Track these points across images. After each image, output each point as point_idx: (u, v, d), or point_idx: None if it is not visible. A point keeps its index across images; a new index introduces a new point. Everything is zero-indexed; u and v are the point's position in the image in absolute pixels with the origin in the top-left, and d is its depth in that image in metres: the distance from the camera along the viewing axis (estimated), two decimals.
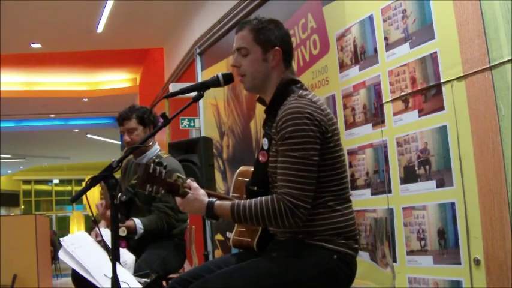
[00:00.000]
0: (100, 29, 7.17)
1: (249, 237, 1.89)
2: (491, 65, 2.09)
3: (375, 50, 2.76)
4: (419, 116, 2.47)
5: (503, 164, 2.04)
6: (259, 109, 4.11)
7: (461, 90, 2.25)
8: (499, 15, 2.06)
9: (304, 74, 3.39)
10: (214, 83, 1.88)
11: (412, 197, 2.51)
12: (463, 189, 2.23)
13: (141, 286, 2.10)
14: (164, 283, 2.92)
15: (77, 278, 2.61)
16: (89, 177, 1.70)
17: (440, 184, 2.35)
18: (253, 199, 1.70)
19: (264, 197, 1.68)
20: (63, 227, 21.89)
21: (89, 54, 9.07)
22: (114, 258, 1.64)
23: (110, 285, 1.64)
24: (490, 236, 2.10)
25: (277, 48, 1.82)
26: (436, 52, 2.37)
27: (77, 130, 14.14)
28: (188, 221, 3.34)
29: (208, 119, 5.43)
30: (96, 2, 6.28)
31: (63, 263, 3.77)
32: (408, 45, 2.53)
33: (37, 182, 24.15)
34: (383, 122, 2.71)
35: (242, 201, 1.72)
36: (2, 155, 16.10)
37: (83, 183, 6.57)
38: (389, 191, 2.66)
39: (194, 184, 1.79)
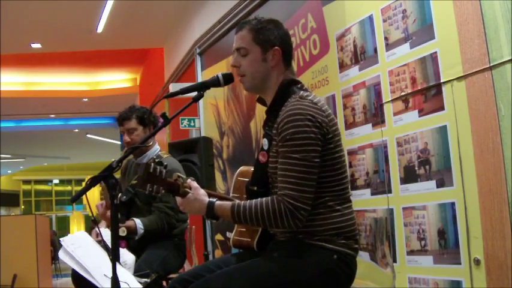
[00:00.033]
0: (100, 29, 7.17)
1: (249, 237, 1.89)
2: (491, 65, 2.09)
3: (375, 50, 2.76)
4: (419, 116, 2.47)
5: (503, 164, 2.04)
6: (259, 109, 4.11)
7: (461, 90, 2.25)
8: (499, 15, 2.06)
9: (304, 74, 3.39)
10: (214, 83, 1.88)
11: (412, 197, 2.51)
12: (463, 189, 2.23)
13: (141, 286, 2.10)
14: (164, 283, 2.92)
15: (77, 278, 2.61)
16: (89, 177, 1.70)
17: (440, 184, 2.35)
18: (254, 200, 1.70)
19: (264, 198, 1.68)
20: (63, 227, 21.89)
21: (89, 54, 9.07)
22: (114, 258, 1.64)
23: (110, 285, 1.64)
24: (490, 236, 2.10)
25: (276, 48, 1.82)
26: (436, 52, 2.37)
27: (77, 130, 14.14)
28: (188, 221, 3.34)
29: (208, 119, 5.43)
30: (96, 2, 6.28)
31: (63, 263, 3.77)
32: (408, 45, 2.53)
33: (37, 182, 24.15)
34: (383, 122, 2.71)
35: (242, 201, 1.72)
36: (2, 155, 16.10)
37: (83, 183, 6.58)
38: (389, 191, 2.66)
39: (194, 184, 1.79)
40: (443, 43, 2.34)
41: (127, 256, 2.61)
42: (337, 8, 3.10)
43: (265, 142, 1.81)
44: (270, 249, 1.81)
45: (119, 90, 11.05)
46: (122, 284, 1.67)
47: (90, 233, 2.58)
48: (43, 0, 6.03)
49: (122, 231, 2.85)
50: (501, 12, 2.05)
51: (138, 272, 2.59)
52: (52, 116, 12.75)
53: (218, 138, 5.12)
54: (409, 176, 2.53)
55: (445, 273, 2.31)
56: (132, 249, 2.80)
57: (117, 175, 2.66)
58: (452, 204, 2.29)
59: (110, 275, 1.63)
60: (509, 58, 2.02)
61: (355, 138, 2.94)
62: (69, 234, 2.30)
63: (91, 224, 16.55)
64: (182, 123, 5.45)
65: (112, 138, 14.66)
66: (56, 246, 11.56)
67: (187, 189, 1.77)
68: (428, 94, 2.42)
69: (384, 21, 2.69)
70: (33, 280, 5.52)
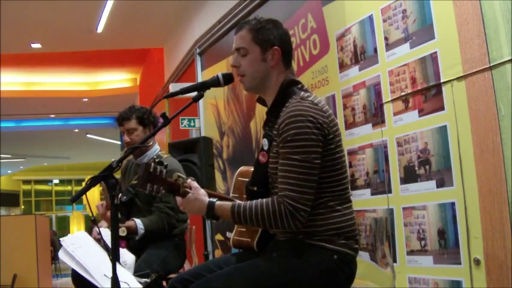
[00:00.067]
0: (100, 29, 7.17)
1: (249, 237, 1.89)
2: (491, 65, 2.09)
3: (375, 50, 2.76)
4: (419, 116, 2.47)
5: (503, 164, 2.04)
6: (259, 109, 4.11)
7: (461, 90, 2.25)
8: (499, 15, 2.06)
9: (304, 74, 3.39)
10: (214, 83, 1.88)
11: (412, 197, 2.51)
12: (463, 189, 2.23)
13: (141, 286, 2.10)
14: (164, 283, 2.92)
15: (77, 278, 2.61)
16: (89, 177, 1.70)
17: (440, 184, 2.35)
18: (254, 201, 1.70)
19: (264, 199, 1.68)
20: (63, 227, 21.89)
21: (89, 54, 9.07)
22: (114, 258, 1.64)
23: (110, 285, 1.64)
24: (490, 236, 2.10)
25: (276, 47, 1.82)
26: (436, 52, 2.37)
27: (77, 130, 14.14)
28: (188, 221, 3.34)
29: (208, 119, 5.43)
30: (96, 2, 6.28)
31: (63, 263, 3.77)
32: (408, 45, 2.53)
33: (37, 182, 24.15)
34: (383, 122, 2.71)
35: (243, 202, 1.72)
36: (2, 155, 16.10)
37: (83, 183, 6.57)
38: (389, 191, 2.66)
39: (195, 184, 1.79)
40: (443, 43, 2.34)
41: (127, 256, 2.61)
42: (337, 8, 3.10)
43: (265, 142, 1.81)
44: (270, 249, 1.81)
45: (119, 90, 11.05)
46: (122, 284, 1.67)
47: (90, 233, 2.58)
48: (43, 0, 6.02)
49: (122, 231, 2.85)
50: (501, 12, 2.05)
51: (138, 272, 2.59)
52: (52, 116, 12.75)
53: (218, 138, 5.12)
54: (409, 176, 2.53)
55: (445, 273, 2.31)
56: (132, 249, 2.80)
57: (117, 175, 2.67)
58: (452, 204, 2.29)
59: (110, 275, 1.63)
60: (509, 58, 2.02)
61: (355, 138, 2.94)
62: (69, 234, 2.30)
63: (90, 224, 16.58)
64: (182, 123, 5.45)
65: (112, 138, 14.66)
66: (56, 246, 11.56)
67: (188, 189, 1.77)
68: (428, 94, 2.42)
69: (384, 21, 2.69)
70: (33, 280, 5.52)
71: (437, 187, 2.37)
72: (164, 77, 8.12)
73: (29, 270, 5.50)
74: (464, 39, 2.22)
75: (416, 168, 2.49)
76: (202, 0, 5.78)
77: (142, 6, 6.42)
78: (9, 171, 22.03)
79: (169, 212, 3.05)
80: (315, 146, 1.66)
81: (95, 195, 16.65)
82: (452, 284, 2.28)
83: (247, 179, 1.93)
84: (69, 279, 3.07)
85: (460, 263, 2.23)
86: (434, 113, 2.39)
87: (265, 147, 1.80)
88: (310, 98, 1.74)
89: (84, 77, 10.85)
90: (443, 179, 2.34)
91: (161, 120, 1.83)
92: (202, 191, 1.78)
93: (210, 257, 4.26)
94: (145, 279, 2.26)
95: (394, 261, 2.54)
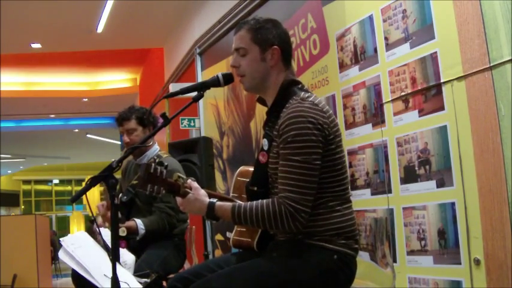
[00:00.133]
0: (100, 29, 7.17)
1: (249, 237, 1.89)
2: (491, 65, 2.09)
3: (375, 50, 2.76)
4: (420, 116, 2.47)
5: (503, 164, 2.04)
6: (259, 109, 4.11)
7: (461, 90, 2.25)
8: (499, 15, 2.06)
9: (304, 74, 3.39)
10: (214, 83, 1.88)
11: (412, 197, 2.51)
12: (463, 189, 2.23)
13: (141, 286, 2.10)
14: (164, 283, 2.92)
15: (77, 278, 2.61)
16: (89, 177, 1.70)
17: (440, 184, 2.35)
18: (254, 202, 1.70)
19: (265, 200, 1.69)
20: (63, 227, 21.89)
21: (89, 54, 9.07)
22: (114, 258, 1.64)
23: (110, 285, 1.64)
24: (490, 236, 2.10)
25: (275, 47, 1.82)
26: (436, 52, 2.37)
27: (77, 130, 14.14)
28: (188, 221, 3.34)
29: (208, 119, 5.43)
30: (96, 2, 6.28)
31: (63, 263, 3.77)
32: (408, 45, 2.53)
33: (37, 182, 24.15)
34: (383, 122, 2.71)
35: (243, 203, 1.72)
36: (2, 155, 16.10)
37: (83, 183, 6.57)
38: (390, 191, 2.66)
39: (195, 184, 1.79)
40: (443, 43, 2.34)
41: (127, 256, 2.61)
42: (337, 8, 3.10)
43: (265, 142, 1.81)
44: (270, 249, 1.81)
45: (119, 90, 11.05)
46: (122, 284, 1.67)
47: (89, 233, 2.58)
48: (43, 0, 6.02)
49: (122, 231, 2.85)
50: (501, 12, 2.05)
51: (138, 272, 2.59)
52: (52, 116, 12.75)
53: (218, 138, 5.12)
54: (409, 176, 2.53)
55: (445, 273, 2.31)
56: (132, 249, 2.80)
57: (118, 175, 2.67)
58: (452, 204, 2.29)
59: (110, 275, 1.63)
60: (509, 58, 2.02)
61: (355, 138, 2.94)
62: (69, 234, 2.30)
63: (89, 224, 16.57)
64: (182, 123, 5.45)
65: (112, 138, 14.66)
66: (56, 246, 11.56)
67: (188, 190, 1.77)
68: (428, 94, 2.42)
69: (384, 21, 2.69)
70: (33, 280, 5.52)
71: (438, 187, 2.37)
72: (164, 77, 8.12)
73: (29, 270, 5.50)
74: (464, 39, 2.22)
75: (416, 168, 2.49)
76: (202, 0, 5.78)
77: (142, 6, 6.42)
78: (9, 171, 22.04)
79: (170, 212, 3.05)
80: (316, 147, 1.66)
81: (95, 195, 16.66)
82: (452, 284, 2.28)
83: (247, 179, 1.93)
84: (69, 279, 3.07)
85: (460, 263, 2.23)
86: (434, 113, 2.39)
87: (265, 148, 1.80)
88: (310, 99, 1.73)
89: (84, 77, 10.85)
90: (443, 179, 2.34)
91: (161, 120, 1.83)
92: (203, 192, 1.78)
93: (210, 257, 4.26)
94: (145, 279, 2.26)
95: (394, 261, 2.54)
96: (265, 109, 1.89)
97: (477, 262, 2.15)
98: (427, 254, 2.41)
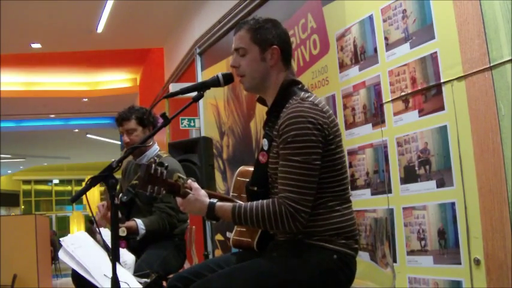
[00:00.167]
0: (100, 29, 7.17)
1: (249, 237, 1.89)
2: (491, 65, 2.09)
3: (375, 50, 2.76)
4: (420, 116, 2.47)
5: (503, 164, 2.04)
6: (259, 109, 4.11)
7: (461, 90, 2.25)
8: (499, 15, 2.06)
9: (304, 74, 3.39)
10: (214, 83, 1.88)
11: (412, 197, 2.51)
12: (463, 189, 2.23)
13: (141, 286, 2.10)
14: (164, 283, 2.92)
15: (77, 278, 2.61)
16: (89, 177, 1.70)
17: (440, 184, 2.35)
18: (255, 202, 1.70)
19: (265, 201, 1.69)
20: (63, 227, 21.90)
21: (89, 54, 9.07)
22: (114, 258, 1.64)
23: (110, 285, 1.64)
24: (490, 236, 2.10)
25: (275, 46, 1.82)
26: (436, 52, 2.37)
27: (77, 130, 14.14)
28: (188, 221, 3.34)
29: (208, 119, 5.43)
30: (96, 2, 6.28)
31: (63, 263, 3.77)
32: (408, 45, 2.53)
33: (37, 182, 24.15)
34: (383, 122, 2.71)
35: (243, 203, 1.72)
36: (2, 155, 16.10)
37: (83, 183, 6.57)
38: (390, 191, 2.66)
39: (195, 185, 1.79)
40: (443, 43, 2.34)
41: (127, 256, 2.61)
42: (337, 8, 3.10)
43: (265, 142, 1.81)
44: (270, 249, 1.81)
45: (119, 90, 11.05)
46: (122, 284, 1.67)
47: (89, 234, 2.58)
48: (43, 0, 6.02)
49: (122, 232, 2.85)
50: (501, 12, 2.05)
51: (138, 272, 2.59)
52: (52, 116, 12.75)
53: (218, 138, 5.12)
54: (409, 176, 2.53)
55: (445, 273, 2.31)
56: (132, 249, 2.80)
57: (118, 175, 2.67)
58: (452, 204, 2.29)
59: (110, 275, 1.63)
60: (509, 58, 2.02)
61: (355, 138, 2.94)
62: (69, 234, 2.30)
63: (88, 225, 16.58)
64: (182, 123, 5.45)
65: (112, 138, 14.66)
66: (56, 246, 11.56)
67: (188, 190, 1.77)
68: (428, 94, 2.42)
69: (384, 21, 2.69)
70: (33, 280, 5.52)
71: (438, 187, 2.37)
72: (164, 77, 8.12)
73: (29, 270, 5.50)
74: (464, 39, 2.22)
75: (416, 168, 2.49)
76: (202, 0, 5.78)
77: (142, 6, 6.42)
78: (9, 171, 22.03)
79: (170, 212, 3.05)
80: (315, 147, 1.66)
81: (95, 195, 16.66)
82: (452, 284, 2.28)
83: (247, 179, 1.93)
84: (69, 279, 3.07)
85: (460, 263, 2.23)
86: (434, 113, 2.39)
87: (265, 148, 1.80)
88: (310, 99, 1.73)
89: (84, 77, 10.85)
90: (443, 179, 2.34)
91: (161, 120, 1.83)
92: (203, 192, 1.78)
93: (210, 257, 4.26)
94: (145, 279, 2.26)
95: (394, 261, 2.54)
96: (265, 109, 1.89)
97: (477, 262, 2.15)
98: (427, 254, 2.41)
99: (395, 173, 2.62)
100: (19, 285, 5.36)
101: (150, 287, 2.21)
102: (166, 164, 1.77)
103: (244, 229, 1.92)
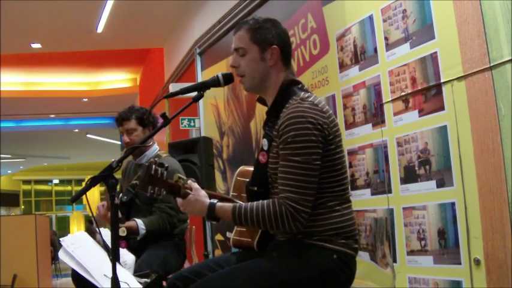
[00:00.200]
0: (100, 29, 7.17)
1: (249, 237, 1.89)
2: (491, 65, 2.09)
3: (375, 50, 2.76)
4: (420, 116, 2.47)
5: (503, 164, 2.04)
6: (259, 109, 4.11)
7: (461, 90, 2.25)
8: (499, 15, 2.06)
9: (304, 74, 3.39)
10: (214, 83, 1.88)
11: (412, 197, 2.51)
12: (463, 189, 2.23)
13: (141, 286, 2.10)
14: (164, 283, 2.92)
15: (77, 278, 2.61)
16: (89, 177, 1.70)
17: (440, 184, 2.35)
18: (255, 202, 1.70)
19: (265, 201, 1.69)
20: (63, 227, 21.89)
21: (89, 54, 9.07)
22: (114, 258, 1.64)
23: (110, 285, 1.64)
24: (490, 236, 2.10)
25: (274, 46, 1.82)
26: (436, 52, 2.37)
27: (77, 130, 14.14)
28: (188, 221, 3.34)
29: (208, 119, 5.43)
30: (96, 2, 6.28)
31: (63, 263, 3.77)
32: (408, 45, 2.53)
33: (37, 182, 24.15)
34: (383, 122, 2.71)
35: (243, 203, 1.72)
36: (2, 155, 16.10)
37: (83, 183, 6.57)
38: (390, 191, 2.66)
39: (195, 185, 1.79)
40: (443, 43, 2.34)
41: (127, 256, 2.61)
42: (337, 8, 3.10)
43: (265, 142, 1.81)
44: (270, 249, 1.81)
45: (119, 90, 11.05)
46: (122, 284, 1.67)
47: (88, 234, 2.58)
48: (43, 0, 6.02)
49: (122, 232, 2.85)
50: (501, 12, 2.05)
51: (138, 272, 2.59)
52: (52, 116, 12.75)
53: (218, 138, 5.12)
54: (409, 176, 2.53)
55: (445, 273, 2.31)
56: (132, 249, 2.80)
57: (117, 175, 2.67)
58: (452, 204, 2.29)
59: (110, 275, 1.63)
60: (509, 58, 2.02)
61: (355, 138, 2.94)
62: (69, 234, 2.30)
63: (88, 225, 16.57)
64: (182, 123, 5.45)
65: (112, 138, 14.66)
66: (56, 246, 11.56)
67: (188, 191, 1.77)
68: (428, 94, 2.42)
69: (384, 21, 2.69)
70: (33, 280, 5.52)
71: (438, 187, 2.37)
72: (164, 77, 8.12)
73: (29, 270, 5.50)
74: (464, 39, 2.22)
75: (416, 168, 2.49)
76: (202, 0, 5.78)
77: (142, 6, 6.42)
78: (9, 171, 22.03)
79: (171, 212, 3.05)
80: (315, 148, 1.66)
81: (95, 195, 16.66)
82: (452, 284, 2.28)
83: (247, 179, 1.93)
84: (69, 279, 3.07)
85: (460, 263, 2.23)
86: (434, 113, 2.39)
87: (265, 147, 1.80)
88: (310, 99, 1.73)
89: (84, 77, 10.85)
90: (443, 179, 2.34)
91: (161, 120, 1.83)
92: (203, 192, 1.78)
93: (210, 257, 4.26)
94: (145, 279, 2.26)
95: (394, 261, 2.54)
96: (265, 109, 1.89)
97: (477, 262, 2.15)
98: (427, 254, 2.41)
99: (395, 173, 2.62)
100: (19, 285, 5.36)
101: (150, 287, 2.21)
102: (166, 165, 1.76)
103: (245, 229, 1.92)
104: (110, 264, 1.63)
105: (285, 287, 1.68)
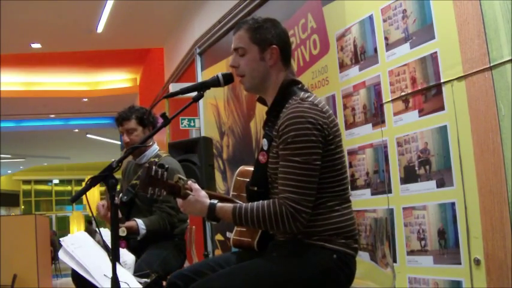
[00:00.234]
0: (100, 29, 7.17)
1: (250, 237, 1.89)
2: (491, 65, 2.09)
3: (375, 50, 2.76)
4: (420, 116, 2.47)
5: (503, 164, 2.04)
6: (259, 109, 4.11)
7: (461, 90, 2.24)
8: (499, 15, 2.06)
9: (304, 74, 3.39)
10: (214, 83, 1.88)
11: (412, 197, 2.51)
12: (463, 189, 2.23)
13: (141, 286, 2.10)
14: (164, 283, 2.92)
15: (77, 278, 2.61)
16: (89, 177, 1.70)
17: (440, 184, 2.35)
18: (255, 203, 1.70)
19: (265, 201, 1.69)
20: (63, 227, 21.90)
21: (89, 54, 9.07)
22: (114, 258, 1.64)
23: (110, 285, 1.64)
24: (490, 236, 2.10)
25: (274, 46, 1.82)
26: (436, 52, 2.37)
27: (77, 130, 14.14)
28: (188, 221, 3.34)
29: (208, 119, 5.43)
30: (96, 2, 6.28)
31: (63, 263, 3.77)
32: (408, 45, 2.53)
33: (37, 182, 24.15)
34: (383, 122, 2.71)
35: (244, 204, 1.72)
36: (2, 155, 16.10)
37: (83, 183, 6.57)
38: (390, 191, 2.66)
39: (195, 186, 1.79)
40: (443, 43, 2.34)
41: (127, 256, 2.61)
42: (337, 8, 3.10)
43: (265, 142, 1.81)
44: (270, 249, 1.81)
45: (119, 90, 11.05)
46: (122, 284, 1.67)
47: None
48: (43, 0, 6.02)
49: (122, 232, 2.85)
50: (501, 12, 2.05)
51: (138, 272, 2.59)
52: (52, 116, 12.75)
53: (218, 138, 5.12)
54: (409, 176, 2.53)
55: (445, 273, 2.31)
56: (132, 249, 2.80)
57: (117, 175, 2.66)
58: (453, 204, 2.28)
59: (110, 275, 1.63)
60: (509, 58, 2.02)
61: (355, 138, 2.94)
62: (69, 234, 2.30)
63: (87, 225, 16.57)
64: (182, 123, 5.45)
65: (112, 138, 14.66)
66: (56, 246, 11.56)
67: (188, 191, 1.77)
68: (428, 94, 2.42)
69: (384, 21, 2.69)
70: (33, 280, 5.52)
71: (438, 187, 2.37)
72: (164, 77, 8.12)
73: (29, 270, 5.50)
74: (464, 39, 2.22)
75: (416, 168, 2.49)
76: (202, 0, 5.78)
77: (142, 6, 6.42)
78: (9, 171, 22.03)
79: (171, 212, 3.05)
80: (315, 148, 1.66)
81: (95, 195, 16.65)
82: (452, 284, 2.28)
83: (247, 179, 1.93)
84: (69, 279, 3.07)
85: (460, 263, 2.23)
86: (434, 113, 2.39)
87: (265, 147, 1.80)
88: (310, 99, 1.73)
89: (84, 77, 10.85)
90: (443, 179, 2.34)
91: (161, 120, 1.83)
92: (203, 193, 1.78)
93: (210, 257, 4.26)
94: (145, 279, 2.26)
95: (394, 261, 2.54)
96: (265, 109, 1.89)
97: (477, 262, 2.15)
98: (427, 254, 2.41)
99: (395, 173, 2.62)
100: (19, 285, 5.36)
101: (150, 287, 2.21)
102: (166, 166, 1.76)
103: (245, 229, 1.92)
104: (110, 264, 1.63)
105: (285, 287, 1.68)
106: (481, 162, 2.15)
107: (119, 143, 13.23)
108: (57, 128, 13.44)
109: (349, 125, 2.99)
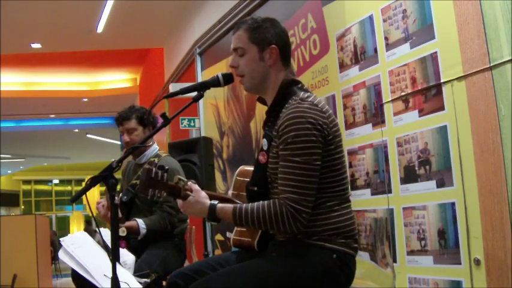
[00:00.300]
0: (100, 29, 7.17)
1: (250, 237, 1.89)
2: (491, 65, 2.09)
3: (375, 50, 2.76)
4: (420, 116, 2.47)
5: (503, 164, 2.04)
6: (259, 109, 4.11)
7: (461, 90, 2.24)
8: (499, 15, 2.06)
9: (304, 74, 3.39)
10: (214, 83, 1.88)
11: (412, 197, 2.51)
12: (463, 189, 2.23)
13: (141, 286, 2.10)
14: (164, 283, 2.92)
15: (77, 278, 2.61)
16: (89, 177, 1.70)
17: (440, 184, 2.35)
18: (255, 203, 1.70)
19: (266, 202, 1.69)
20: (63, 227, 21.90)
21: (89, 54, 9.07)
22: (114, 258, 1.64)
23: (110, 285, 1.64)
24: (490, 236, 2.10)
25: (273, 46, 1.82)
26: (436, 52, 2.37)
27: (77, 130, 14.14)
28: (188, 220, 3.34)
29: (208, 119, 5.43)
30: (96, 2, 6.28)
31: (63, 263, 3.77)
32: (408, 45, 2.53)
33: (37, 182, 24.15)
34: (383, 122, 2.71)
35: (244, 204, 1.72)
36: (2, 155, 16.10)
37: (83, 183, 6.57)
38: (390, 191, 2.66)
39: (195, 186, 1.79)
40: (443, 43, 2.34)
41: (127, 256, 2.61)
42: (337, 8, 3.10)
43: (264, 142, 1.81)
44: (270, 249, 1.81)
45: (119, 90, 11.05)
46: (122, 284, 1.67)
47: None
48: (43, 0, 6.02)
49: (122, 231, 2.85)
50: (501, 12, 2.05)
51: (138, 272, 2.59)
52: (52, 116, 12.75)
53: (218, 138, 5.12)
54: (409, 176, 2.53)
55: (445, 273, 2.31)
56: (132, 249, 2.80)
57: (117, 175, 2.66)
58: (453, 204, 2.28)
59: (110, 275, 1.63)
60: (509, 58, 2.02)
61: (355, 138, 2.94)
62: (69, 234, 2.30)
63: (86, 225, 16.56)
64: (182, 123, 5.45)
65: (112, 138, 14.66)
66: (56, 246, 11.56)
67: (189, 192, 1.77)
68: (428, 94, 2.42)
69: (384, 21, 2.69)
70: (33, 280, 5.52)
71: (438, 187, 2.37)
72: (164, 77, 8.12)
73: (29, 270, 5.50)
74: (464, 39, 2.22)
75: (416, 168, 2.49)
76: (202, 0, 5.78)
77: (143, 6, 6.42)
78: (9, 171, 22.04)
79: (171, 211, 3.05)
80: (315, 148, 1.66)
81: (95, 195, 16.64)
82: (452, 284, 2.28)
83: (247, 179, 1.93)
84: (69, 279, 3.07)
85: (460, 263, 2.23)
86: (434, 113, 2.39)
87: (265, 147, 1.80)
88: (310, 99, 1.73)
89: (84, 77, 10.85)
90: (443, 179, 2.34)
91: (161, 120, 1.83)
92: (203, 194, 1.78)
93: (211, 256, 4.26)
94: (145, 279, 2.26)
95: (394, 261, 2.54)
96: (265, 109, 1.89)
97: (477, 262, 2.15)
98: (427, 254, 2.41)
99: (395, 173, 2.62)
100: (19, 285, 5.36)
101: (150, 287, 2.21)
102: (166, 168, 1.76)
103: (245, 229, 1.92)
104: (110, 264, 1.63)
105: (285, 287, 1.68)
106: (481, 162, 2.15)
107: (119, 143, 13.23)
108: (57, 128, 13.44)
109: (349, 125, 2.99)
